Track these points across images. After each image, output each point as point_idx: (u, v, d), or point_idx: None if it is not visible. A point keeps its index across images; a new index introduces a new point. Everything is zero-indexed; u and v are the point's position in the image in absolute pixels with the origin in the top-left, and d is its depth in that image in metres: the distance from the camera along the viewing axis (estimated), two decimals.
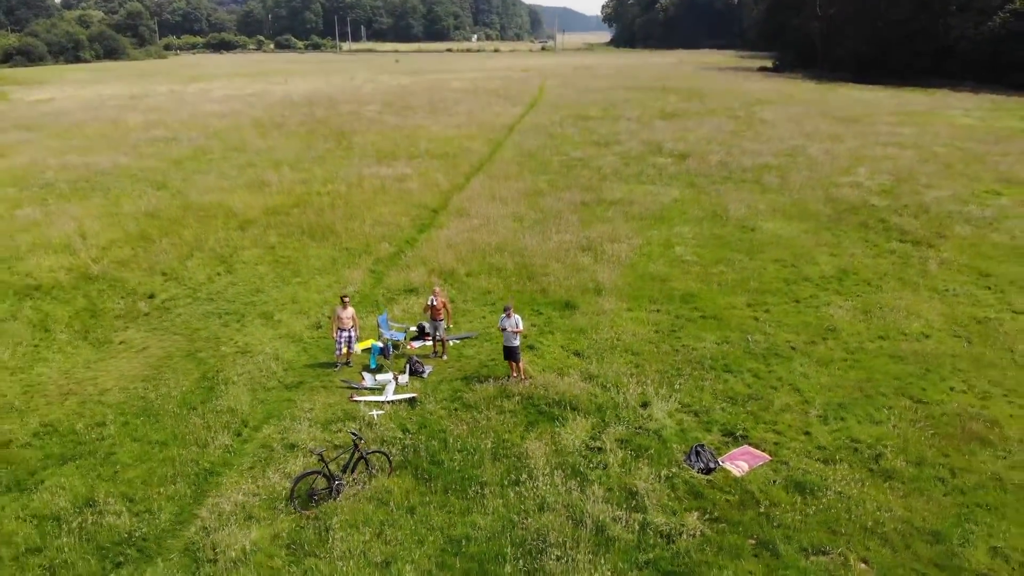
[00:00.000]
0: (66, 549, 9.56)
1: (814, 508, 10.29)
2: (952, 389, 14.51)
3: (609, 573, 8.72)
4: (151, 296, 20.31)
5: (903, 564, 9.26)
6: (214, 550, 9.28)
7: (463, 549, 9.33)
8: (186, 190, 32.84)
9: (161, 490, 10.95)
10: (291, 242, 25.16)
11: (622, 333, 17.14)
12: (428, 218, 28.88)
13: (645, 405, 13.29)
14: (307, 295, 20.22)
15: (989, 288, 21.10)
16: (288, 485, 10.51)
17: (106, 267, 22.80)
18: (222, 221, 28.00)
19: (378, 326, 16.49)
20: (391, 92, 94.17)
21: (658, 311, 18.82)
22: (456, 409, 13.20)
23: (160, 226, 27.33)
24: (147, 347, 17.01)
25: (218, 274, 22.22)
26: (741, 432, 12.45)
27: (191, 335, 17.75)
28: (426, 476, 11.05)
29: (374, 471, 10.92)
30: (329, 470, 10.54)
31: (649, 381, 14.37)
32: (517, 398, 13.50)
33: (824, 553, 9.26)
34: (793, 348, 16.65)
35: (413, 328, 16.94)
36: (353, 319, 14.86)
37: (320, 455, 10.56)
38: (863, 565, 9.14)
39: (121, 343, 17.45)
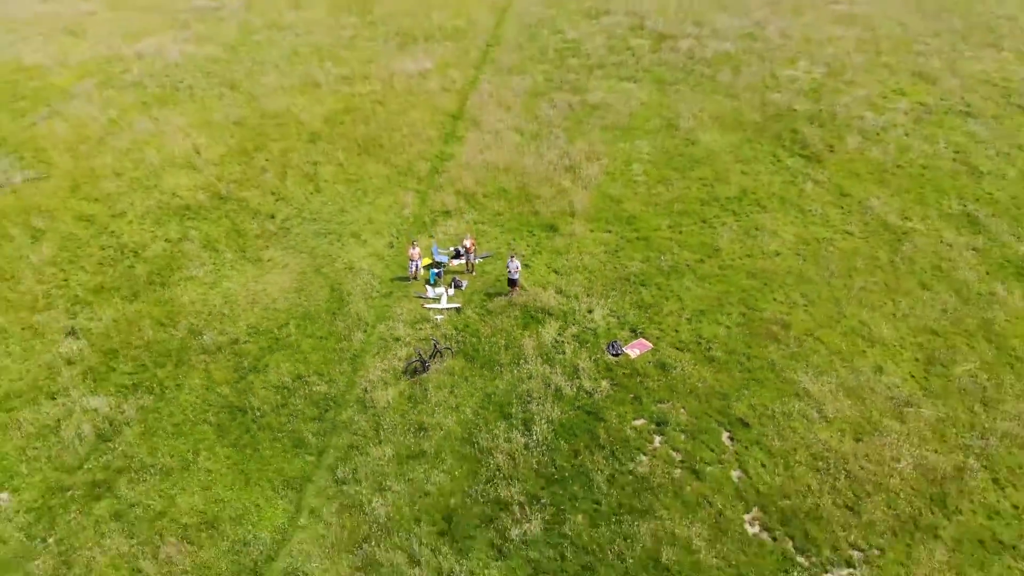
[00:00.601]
0: (298, 405, 18.44)
1: (666, 378, 18.89)
2: (774, 300, 21.89)
3: (559, 412, 17.38)
4: (272, 216, 26.81)
5: (704, 413, 17.42)
6: (372, 402, 18.32)
7: (492, 399, 18.33)
8: (255, 92, 37.13)
9: (335, 368, 19.59)
10: (353, 159, 31.00)
11: (584, 254, 24.48)
12: (451, 126, 33.79)
13: (590, 311, 21.36)
14: (377, 216, 27.21)
15: (841, 208, 26.78)
16: (401, 366, 19.25)
17: (229, 188, 29.09)
18: (295, 131, 33.49)
19: (432, 254, 23.72)
20: None
21: (610, 232, 25.82)
22: (483, 315, 21.57)
23: (250, 138, 33.01)
24: (287, 264, 24.69)
25: (311, 192, 28.67)
26: (640, 330, 20.54)
27: (312, 253, 25.29)
28: (471, 359, 19.84)
29: (444, 357, 19.62)
30: (422, 357, 19.19)
31: (595, 294, 22.30)
32: (518, 308, 21.47)
33: (664, 403, 17.88)
34: (687, 266, 23.80)
35: (452, 249, 23.93)
36: (419, 253, 23.05)
37: (417, 351, 19.36)
38: (683, 410, 17.48)
39: (268, 260, 24.88)
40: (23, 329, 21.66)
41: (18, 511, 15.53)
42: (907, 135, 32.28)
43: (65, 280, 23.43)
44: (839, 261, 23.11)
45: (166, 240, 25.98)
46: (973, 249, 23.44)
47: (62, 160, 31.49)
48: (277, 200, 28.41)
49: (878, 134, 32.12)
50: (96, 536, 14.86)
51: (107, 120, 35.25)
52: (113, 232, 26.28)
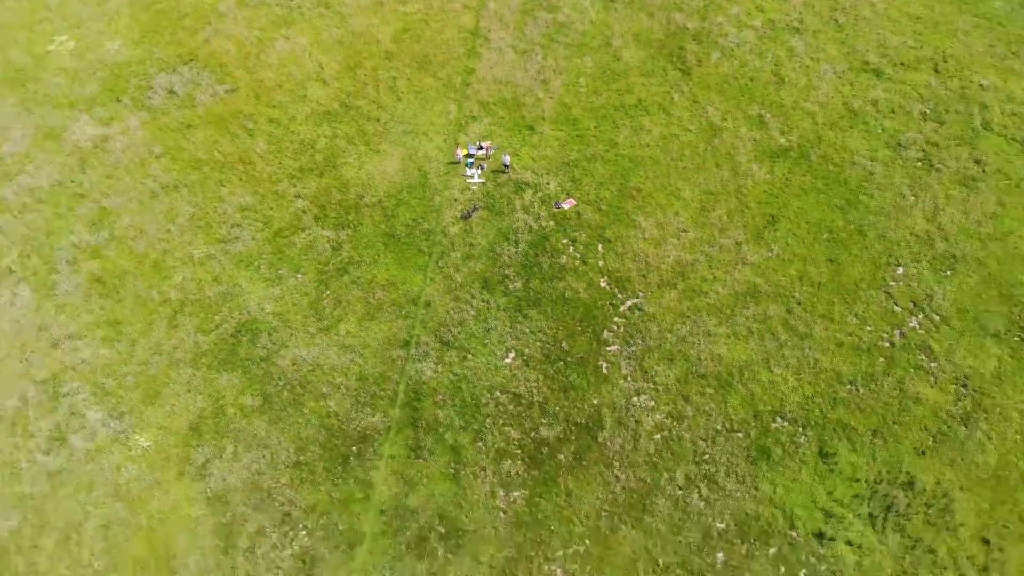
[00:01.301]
0: (416, 233, 35.66)
1: (578, 220, 36.87)
2: (638, 175, 39.12)
3: (530, 236, 36.35)
4: (378, 120, 42.06)
5: (592, 236, 35.74)
6: (448, 233, 36.15)
7: (500, 231, 37.37)
8: (343, 12, 46.72)
9: (430, 215, 36.46)
10: (415, 73, 44.01)
11: (546, 147, 40.66)
12: (471, 43, 45.63)
13: (548, 183, 39.49)
14: (435, 119, 42.05)
15: (690, 112, 40.90)
16: (459, 214, 37.22)
17: (348, 99, 43.14)
18: (376, 49, 45.23)
19: (467, 147, 39.47)
20: None
21: (562, 131, 41.81)
22: (495, 187, 39.57)
23: (350, 56, 45.26)
24: (392, 154, 41.02)
25: (395, 101, 42.92)
26: (575, 195, 38.11)
27: (404, 146, 40.80)
28: (494, 212, 38.35)
29: (479, 209, 37.88)
30: (466, 210, 37.94)
31: (551, 173, 39.63)
32: (511, 182, 39.44)
33: (576, 231, 36.15)
34: (599, 155, 40.44)
35: (478, 144, 39.20)
36: (460, 148, 39.16)
37: (467, 208, 37.55)
38: (584, 235, 36.10)
39: (383, 151, 40.85)
40: (272, 195, 39.34)
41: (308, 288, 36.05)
42: (750, 51, 43.06)
43: (280, 164, 42.10)
44: (677, 150, 41.21)
45: (325, 137, 42.66)
46: (753, 140, 40.50)
47: (240, 74, 45.75)
48: (377, 108, 43.92)
49: (732, 50, 43.63)
50: (344, 290, 34.96)
51: (255, 39, 46.98)
52: (293, 132, 43.56)
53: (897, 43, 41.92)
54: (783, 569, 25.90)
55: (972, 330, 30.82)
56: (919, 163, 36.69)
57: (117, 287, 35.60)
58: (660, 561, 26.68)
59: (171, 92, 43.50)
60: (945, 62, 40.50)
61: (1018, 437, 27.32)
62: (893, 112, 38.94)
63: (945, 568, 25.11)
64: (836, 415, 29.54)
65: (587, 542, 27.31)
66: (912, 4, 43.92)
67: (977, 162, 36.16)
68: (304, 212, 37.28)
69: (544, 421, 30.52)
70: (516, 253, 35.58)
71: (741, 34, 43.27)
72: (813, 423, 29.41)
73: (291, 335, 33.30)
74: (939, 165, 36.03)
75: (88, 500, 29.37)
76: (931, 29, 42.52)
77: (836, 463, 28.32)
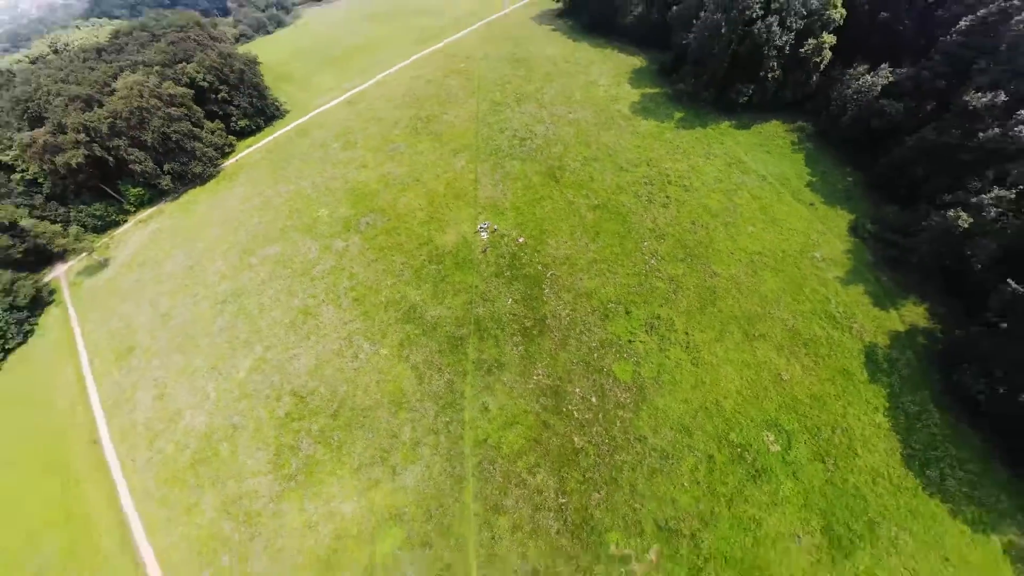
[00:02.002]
0: (457, 262, 78.47)
1: (523, 246, 76.21)
2: (547, 225, 78.76)
3: (507, 257, 75.72)
4: (443, 219, 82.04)
5: (531, 248, 76.20)
6: (478, 260, 76.32)
7: (499, 255, 75.74)
8: (423, 180, 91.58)
9: (468, 252, 77.62)
10: (452, 201, 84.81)
11: (509, 221, 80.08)
12: (473, 186, 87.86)
13: (512, 233, 77.84)
14: (465, 216, 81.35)
15: (560, 197, 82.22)
16: (480, 251, 76.16)
17: (430, 223, 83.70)
18: (438, 193, 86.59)
19: (479, 224, 78.85)
20: None
21: (514, 213, 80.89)
22: (493, 237, 77.88)
23: (429, 198, 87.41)
24: (453, 233, 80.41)
25: (449, 211, 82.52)
26: (523, 236, 77.44)
27: (457, 229, 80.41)
28: (492, 246, 76.72)
29: (488, 249, 76.09)
30: (484, 248, 75.75)
31: (513, 230, 78.42)
32: (497, 234, 77.92)
33: (519, 242, 76.47)
34: (529, 220, 79.74)
35: (484, 223, 78.69)
36: (481, 225, 78.98)
37: (483, 247, 75.95)
38: (521, 239, 75.70)
39: (449, 232, 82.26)
40: (410, 256, 78.15)
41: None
42: (579, 169, 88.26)
43: (411, 243, 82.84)
44: (557, 212, 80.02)
45: (425, 229, 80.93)
46: (585, 203, 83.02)
47: (392, 213, 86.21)
48: (442, 214, 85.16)
49: (575, 170, 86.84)
50: (447, 286, 73.88)
51: (393, 198, 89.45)
52: (414, 229, 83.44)
53: (632, 157, 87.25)
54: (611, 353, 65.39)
55: (675, 255, 72.44)
56: (648, 201, 79.06)
57: (364, 299, 73.00)
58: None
59: (368, 224, 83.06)
60: (649, 165, 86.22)
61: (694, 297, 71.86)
62: (638, 185, 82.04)
63: (671, 340, 65.50)
64: (631, 299, 67.87)
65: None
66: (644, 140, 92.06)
67: (667, 196, 78.76)
68: (426, 260, 75.00)
69: (526, 313, 70.78)
70: (503, 261, 73.20)
71: (575, 164, 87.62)
72: (623, 303, 68.05)
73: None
74: (654, 199, 78.95)
75: None
76: (649, 148, 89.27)
77: (631, 314, 67.01)
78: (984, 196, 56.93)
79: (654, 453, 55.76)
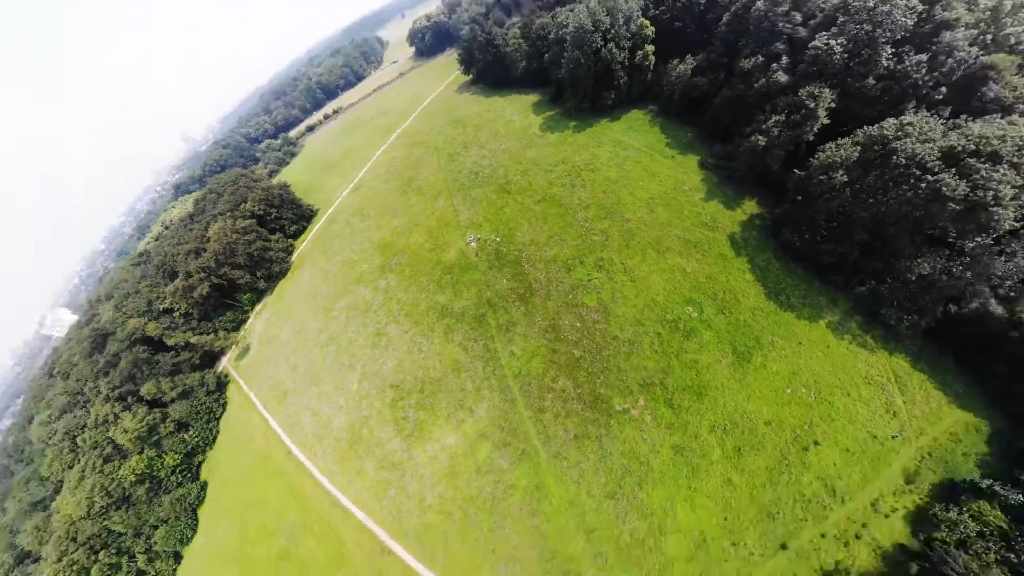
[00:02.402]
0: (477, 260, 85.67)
1: (498, 243, 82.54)
2: (513, 225, 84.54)
3: (492, 254, 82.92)
4: (448, 244, 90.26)
5: (502, 243, 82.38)
6: (469, 252, 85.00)
7: (487, 252, 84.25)
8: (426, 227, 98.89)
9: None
10: (454, 233, 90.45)
11: (486, 231, 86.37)
12: (456, 217, 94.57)
13: (492, 236, 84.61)
14: (459, 237, 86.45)
15: (517, 204, 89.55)
16: (474, 255, 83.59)
17: (434, 243, 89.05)
18: (453, 223, 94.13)
19: (467, 237, 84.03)
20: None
21: (487, 224, 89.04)
22: (478, 243, 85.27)
23: (435, 232, 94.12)
24: (455, 248, 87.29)
25: (452, 239, 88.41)
26: (499, 238, 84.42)
27: (455, 245, 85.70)
28: (488, 255, 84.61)
29: (479, 254, 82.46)
30: (475, 253, 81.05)
31: (492, 235, 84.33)
32: (480, 241, 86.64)
33: (496, 240, 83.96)
34: (500, 227, 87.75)
35: (471, 236, 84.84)
36: (469, 238, 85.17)
37: (476, 251, 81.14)
38: (498, 239, 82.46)
39: (451, 250, 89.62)
40: (432, 277, 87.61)
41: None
42: (528, 185, 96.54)
43: (435, 271, 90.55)
44: (518, 214, 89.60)
45: (450, 251, 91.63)
46: (531, 207, 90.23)
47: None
48: (445, 242, 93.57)
49: (523, 187, 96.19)
50: (463, 280, 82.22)
51: (433, 241, 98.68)
52: (435, 257, 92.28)
53: (551, 161, 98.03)
54: None
55: (599, 215, 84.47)
56: (571, 186, 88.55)
57: (411, 313, 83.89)
58: None
59: (396, 263, 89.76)
60: (564, 163, 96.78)
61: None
62: (561, 178, 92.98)
63: (614, 271, 76.77)
64: (581, 253, 79.78)
65: None
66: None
67: (582, 179, 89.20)
68: (442, 273, 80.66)
69: (517, 286, 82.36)
70: (491, 257, 78.41)
71: (516, 177, 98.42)
72: (577, 257, 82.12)
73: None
74: (574, 184, 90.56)
75: None
76: (559, 151, 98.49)
77: (584, 263, 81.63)
78: (767, 123, 64.31)
79: (625, 343, 63.57)
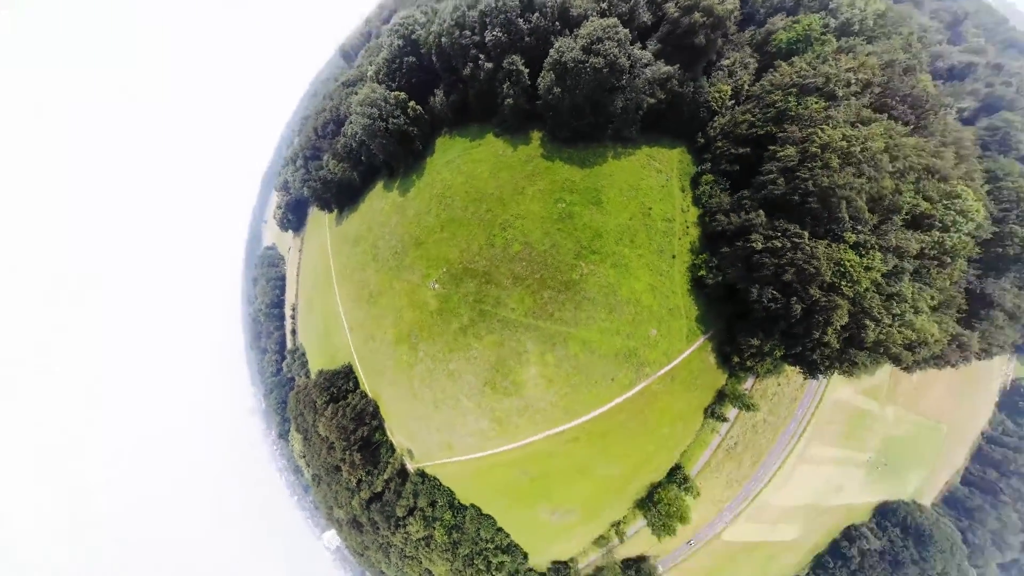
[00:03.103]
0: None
1: (447, 275, 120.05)
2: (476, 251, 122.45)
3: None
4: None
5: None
6: None
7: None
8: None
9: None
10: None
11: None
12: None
13: None
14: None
15: (485, 236, 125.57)
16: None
17: (444, 305, 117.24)
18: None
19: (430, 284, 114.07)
20: None
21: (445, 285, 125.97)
22: None
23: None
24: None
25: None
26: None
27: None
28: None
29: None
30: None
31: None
32: None
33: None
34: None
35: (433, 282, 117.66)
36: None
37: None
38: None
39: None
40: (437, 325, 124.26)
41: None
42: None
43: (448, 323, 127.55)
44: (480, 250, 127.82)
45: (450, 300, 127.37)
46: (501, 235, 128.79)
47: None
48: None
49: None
50: (466, 282, 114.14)
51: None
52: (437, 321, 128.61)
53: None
54: None
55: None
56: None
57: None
58: None
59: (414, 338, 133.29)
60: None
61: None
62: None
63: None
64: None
65: None
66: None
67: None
68: (440, 310, 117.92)
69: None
70: (450, 281, 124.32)
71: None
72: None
73: None
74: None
75: None
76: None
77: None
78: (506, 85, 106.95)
79: (551, 249, 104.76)
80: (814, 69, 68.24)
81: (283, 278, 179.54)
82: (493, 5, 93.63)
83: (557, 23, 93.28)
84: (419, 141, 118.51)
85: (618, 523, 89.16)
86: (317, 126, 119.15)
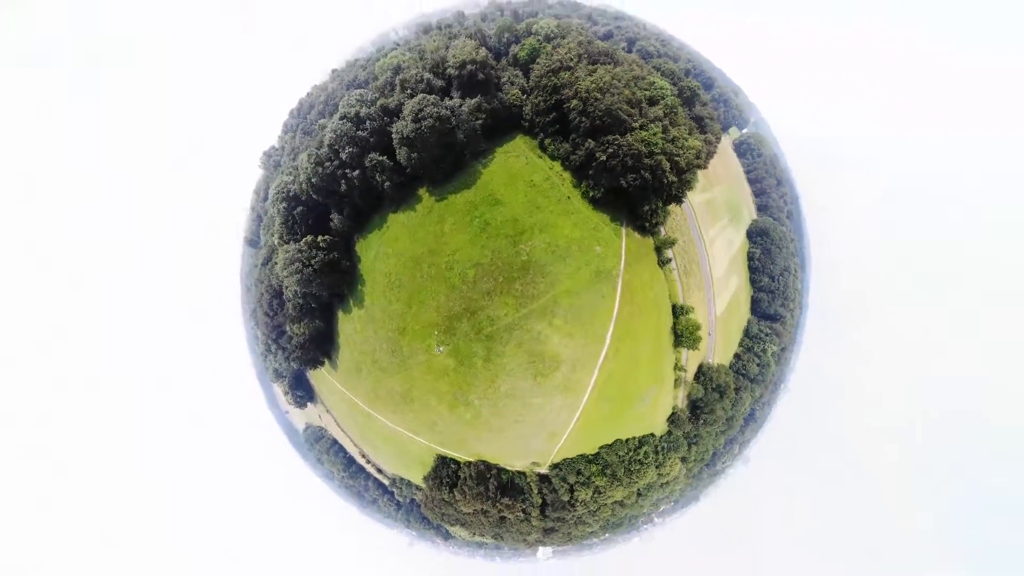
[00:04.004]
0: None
1: (451, 336, 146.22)
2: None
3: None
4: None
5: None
6: None
7: None
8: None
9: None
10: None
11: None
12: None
13: None
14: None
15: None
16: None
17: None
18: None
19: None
20: None
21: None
22: None
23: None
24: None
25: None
26: None
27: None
28: None
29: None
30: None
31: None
32: None
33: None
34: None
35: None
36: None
37: None
38: None
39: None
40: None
41: None
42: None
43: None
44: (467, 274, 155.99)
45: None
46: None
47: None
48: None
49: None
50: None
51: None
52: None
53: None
54: None
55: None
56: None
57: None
58: None
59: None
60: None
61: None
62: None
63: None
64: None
65: None
66: None
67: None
68: (458, 369, 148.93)
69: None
70: (451, 339, 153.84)
71: None
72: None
73: None
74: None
75: None
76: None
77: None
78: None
79: (513, 245, 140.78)
80: (549, 59, 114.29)
81: (335, 441, 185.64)
82: (334, 136, 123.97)
83: (386, 118, 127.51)
84: (344, 259, 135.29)
85: (676, 364, 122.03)
86: (264, 310, 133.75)
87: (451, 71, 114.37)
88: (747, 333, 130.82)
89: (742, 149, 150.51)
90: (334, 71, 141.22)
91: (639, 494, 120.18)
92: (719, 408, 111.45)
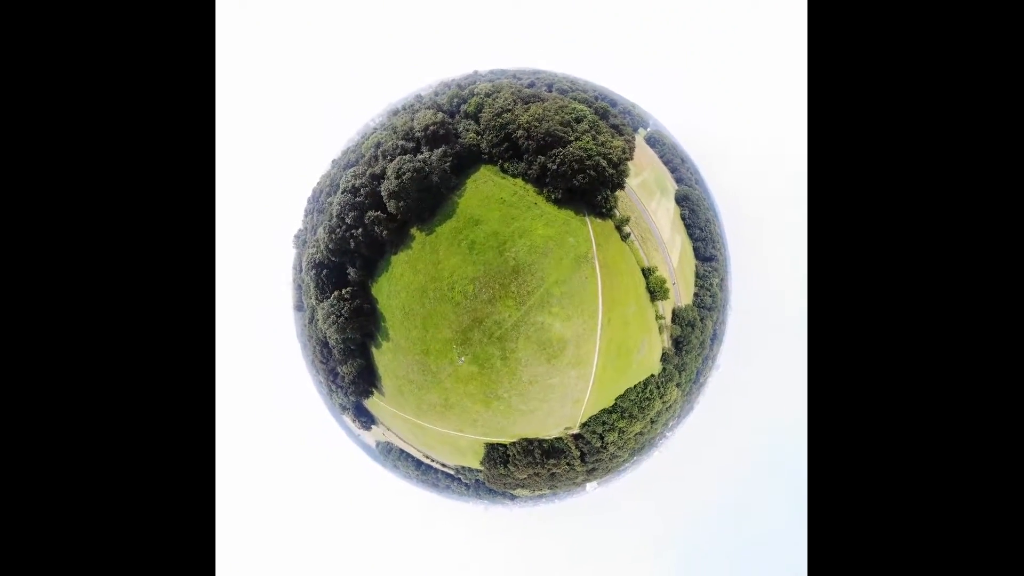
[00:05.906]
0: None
1: (468, 347, 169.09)
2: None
3: None
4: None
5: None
6: None
7: None
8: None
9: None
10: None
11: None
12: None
13: None
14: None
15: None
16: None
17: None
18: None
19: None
20: None
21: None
22: None
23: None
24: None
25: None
26: None
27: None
28: None
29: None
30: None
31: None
32: None
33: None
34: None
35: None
36: None
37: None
38: None
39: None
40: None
41: None
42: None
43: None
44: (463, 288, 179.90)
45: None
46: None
47: None
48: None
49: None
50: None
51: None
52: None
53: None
54: None
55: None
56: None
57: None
58: None
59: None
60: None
61: None
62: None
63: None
64: None
65: None
66: None
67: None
68: (480, 375, 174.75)
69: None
70: (469, 347, 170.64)
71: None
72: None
73: None
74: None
75: None
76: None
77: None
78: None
79: (505, 258, 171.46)
80: (492, 107, 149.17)
81: (403, 451, 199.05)
82: (339, 207, 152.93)
83: (375, 182, 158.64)
84: (365, 304, 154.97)
85: (656, 315, 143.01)
86: (319, 360, 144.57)
87: (418, 134, 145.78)
88: (697, 275, 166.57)
89: (652, 142, 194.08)
90: (333, 161, 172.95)
91: (652, 421, 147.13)
92: (693, 338, 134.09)
